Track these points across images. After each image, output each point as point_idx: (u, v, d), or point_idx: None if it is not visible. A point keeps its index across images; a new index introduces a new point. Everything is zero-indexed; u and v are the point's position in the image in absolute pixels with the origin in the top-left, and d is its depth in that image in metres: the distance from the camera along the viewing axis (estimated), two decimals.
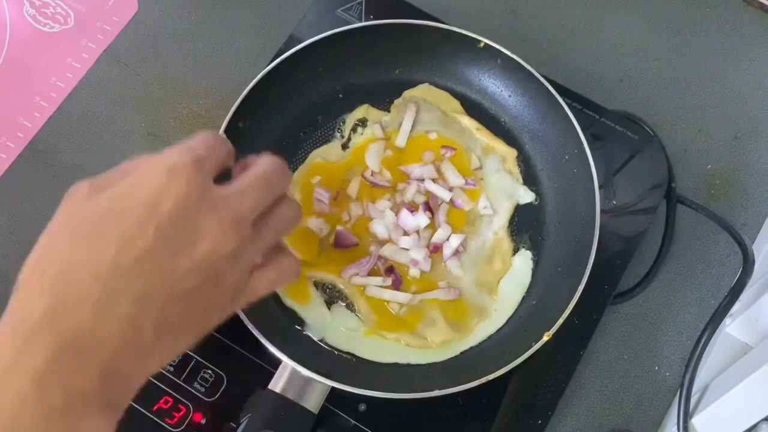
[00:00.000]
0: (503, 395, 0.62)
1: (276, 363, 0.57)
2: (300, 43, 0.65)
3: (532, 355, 0.57)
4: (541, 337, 0.57)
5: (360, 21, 0.72)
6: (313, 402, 0.56)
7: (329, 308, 0.63)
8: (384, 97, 0.70)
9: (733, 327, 0.66)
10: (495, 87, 0.69)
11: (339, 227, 0.64)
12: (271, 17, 0.77)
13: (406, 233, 0.64)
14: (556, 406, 0.61)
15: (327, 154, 0.67)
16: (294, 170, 0.67)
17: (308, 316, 0.62)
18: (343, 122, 0.69)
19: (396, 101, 0.69)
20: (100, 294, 0.35)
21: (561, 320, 0.58)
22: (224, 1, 0.78)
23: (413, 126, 0.68)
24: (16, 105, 0.73)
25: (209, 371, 0.60)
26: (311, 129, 0.68)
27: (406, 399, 0.56)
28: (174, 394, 0.60)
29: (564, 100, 0.65)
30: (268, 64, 0.65)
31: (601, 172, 0.64)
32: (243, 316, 0.56)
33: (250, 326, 0.56)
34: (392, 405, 0.57)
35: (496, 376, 0.56)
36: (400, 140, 0.68)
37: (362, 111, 0.69)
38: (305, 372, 0.55)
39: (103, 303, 0.35)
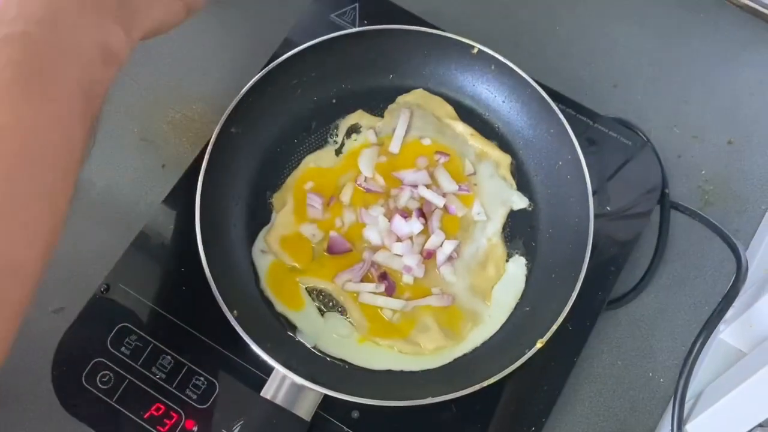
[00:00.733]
0: (497, 402, 0.61)
1: (268, 370, 0.57)
2: (293, 48, 0.65)
3: (526, 361, 0.57)
4: (535, 344, 0.57)
5: (354, 26, 0.72)
6: (305, 409, 0.56)
7: (322, 315, 0.62)
8: (378, 103, 0.70)
9: (727, 333, 0.66)
10: (489, 93, 0.69)
11: (332, 233, 0.64)
12: (265, 23, 0.77)
13: (399, 239, 0.64)
14: (549, 413, 0.61)
15: (320, 159, 0.67)
16: (287, 175, 0.67)
17: (301, 323, 0.62)
18: (337, 128, 0.69)
19: (390, 107, 0.69)
20: None
21: (554, 327, 0.58)
22: (217, 6, 0.78)
23: (407, 132, 0.68)
24: None
25: (201, 378, 0.60)
26: (304, 134, 0.68)
27: (399, 406, 0.56)
28: (166, 401, 0.59)
29: (558, 105, 0.65)
30: (261, 70, 0.65)
31: (595, 178, 0.64)
32: (234, 323, 0.56)
33: (242, 333, 0.56)
34: (385, 412, 0.57)
35: (490, 383, 0.56)
36: (394, 146, 0.67)
37: (356, 117, 0.69)
38: (298, 379, 0.55)
39: None
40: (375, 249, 0.64)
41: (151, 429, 0.58)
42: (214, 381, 0.60)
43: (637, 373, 0.66)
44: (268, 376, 0.57)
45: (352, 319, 0.62)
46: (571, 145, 0.63)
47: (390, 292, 0.63)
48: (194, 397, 0.60)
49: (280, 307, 0.62)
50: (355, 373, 0.60)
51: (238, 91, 0.64)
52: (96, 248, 0.67)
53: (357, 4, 0.74)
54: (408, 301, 0.62)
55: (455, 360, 0.61)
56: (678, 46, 0.79)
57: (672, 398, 0.62)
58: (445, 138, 0.69)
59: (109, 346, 0.61)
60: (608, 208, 0.67)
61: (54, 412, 0.60)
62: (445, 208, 0.66)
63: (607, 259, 0.66)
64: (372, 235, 0.64)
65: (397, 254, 0.63)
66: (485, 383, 0.56)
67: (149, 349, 0.61)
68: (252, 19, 0.77)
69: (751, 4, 0.79)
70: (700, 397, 0.63)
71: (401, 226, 0.64)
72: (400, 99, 0.70)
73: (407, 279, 0.63)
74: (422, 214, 0.65)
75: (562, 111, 0.65)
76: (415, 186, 0.66)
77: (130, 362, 0.60)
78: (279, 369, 0.55)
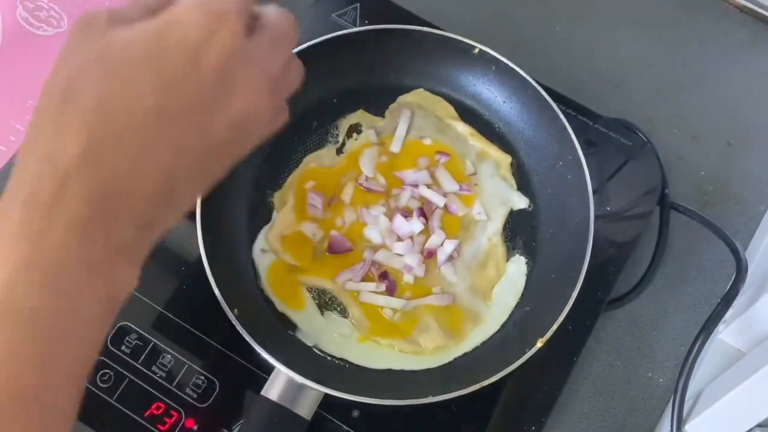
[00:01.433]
0: (497, 401, 0.61)
1: (269, 369, 0.57)
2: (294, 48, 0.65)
3: (526, 361, 0.57)
4: (535, 344, 0.57)
5: (355, 26, 0.72)
6: (306, 408, 0.56)
7: (322, 314, 0.62)
8: (378, 103, 0.70)
9: (727, 333, 0.66)
10: (490, 93, 0.69)
11: (333, 232, 0.64)
12: None
13: (400, 239, 0.64)
14: (550, 413, 0.61)
15: (321, 158, 0.67)
16: (288, 175, 0.67)
17: (301, 322, 0.62)
18: (338, 127, 0.69)
19: (391, 106, 0.69)
20: (141, 141, 0.33)
21: (555, 326, 0.58)
22: None
23: (408, 131, 0.68)
24: (9, 109, 0.72)
25: (202, 377, 0.60)
26: (305, 134, 0.68)
27: (400, 405, 0.56)
28: (166, 399, 0.59)
29: (558, 106, 0.65)
30: None
31: (595, 179, 0.64)
32: (235, 321, 0.56)
33: (242, 331, 0.56)
34: (385, 411, 0.57)
35: (490, 382, 0.56)
36: (395, 146, 0.67)
37: (357, 116, 0.69)
38: (298, 378, 0.55)
39: (144, 150, 0.33)
40: (376, 248, 0.64)
41: (151, 428, 0.58)
42: (215, 380, 0.60)
43: (637, 373, 0.66)
44: (269, 375, 0.57)
45: (353, 319, 0.62)
46: (571, 146, 0.63)
47: (391, 291, 0.63)
48: (194, 396, 0.60)
49: (281, 306, 0.62)
50: (356, 372, 0.60)
51: None
52: None
53: (358, 5, 0.74)
54: (409, 301, 0.62)
55: (455, 359, 0.61)
56: (678, 48, 0.79)
57: (671, 398, 0.62)
58: (445, 138, 0.69)
59: (109, 345, 0.60)
60: (608, 209, 0.67)
61: None
62: (446, 207, 0.66)
63: (607, 259, 0.66)
64: (373, 234, 0.64)
65: (397, 254, 0.63)
66: (485, 383, 0.56)
67: (149, 347, 0.61)
68: None
69: (751, 5, 0.80)
70: (699, 397, 0.63)
71: (402, 225, 0.64)
72: (401, 99, 0.70)
73: (408, 278, 0.63)
74: (423, 213, 0.65)
75: (563, 111, 0.65)
76: (416, 186, 0.66)
77: (131, 361, 0.60)
78: (279, 368, 0.55)
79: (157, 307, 0.62)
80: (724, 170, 0.74)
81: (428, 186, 0.66)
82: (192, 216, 0.59)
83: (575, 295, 0.58)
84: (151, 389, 0.59)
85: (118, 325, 0.61)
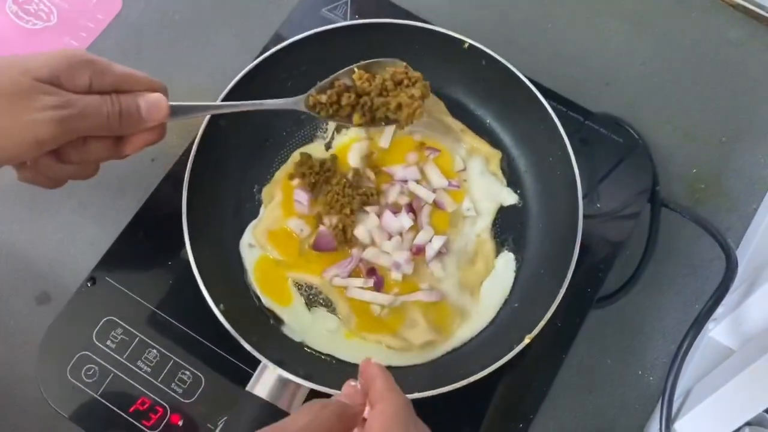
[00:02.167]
0: (485, 398, 0.61)
1: (255, 364, 0.56)
2: (284, 42, 0.65)
3: (515, 357, 0.57)
4: (523, 340, 0.57)
5: (345, 21, 0.72)
6: (292, 405, 0.55)
7: (309, 310, 0.62)
8: None
9: (717, 331, 0.65)
10: (479, 88, 0.69)
11: (322, 228, 0.63)
12: (256, 17, 0.77)
13: (390, 236, 0.64)
14: (538, 410, 0.61)
15: (310, 153, 0.67)
16: (276, 169, 0.66)
17: (288, 318, 0.61)
18: (327, 122, 0.68)
19: None
20: None
21: (542, 323, 0.57)
22: (208, 0, 0.77)
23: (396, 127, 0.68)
24: None
25: (187, 372, 0.60)
26: (294, 128, 0.68)
27: None
28: (151, 395, 0.59)
29: (549, 102, 0.64)
30: (251, 63, 0.64)
31: (586, 176, 0.64)
32: (220, 317, 0.56)
33: (228, 326, 0.55)
34: None
35: (477, 378, 0.55)
36: (384, 141, 0.67)
37: None
38: (283, 373, 0.55)
39: None
40: (364, 246, 0.64)
41: (136, 423, 0.58)
42: (200, 375, 0.60)
43: (627, 371, 0.66)
44: (254, 370, 0.56)
45: (340, 314, 0.62)
46: (561, 142, 0.63)
47: (378, 287, 0.62)
48: (180, 391, 0.59)
49: (268, 301, 0.62)
50: (342, 367, 0.60)
51: (227, 84, 0.63)
52: (83, 242, 0.67)
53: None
54: (396, 297, 0.62)
55: (443, 356, 0.61)
56: (670, 45, 0.79)
57: (661, 396, 0.62)
58: (435, 133, 0.68)
59: (95, 340, 0.60)
60: (598, 205, 0.67)
61: (38, 405, 0.59)
62: (435, 203, 0.65)
63: (597, 256, 0.65)
64: (360, 233, 0.64)
65: (385, 251, 0.63)
66: (473, 378, 0.55)
67: (135, 342, 0.60)
68: (243, 13, 0.77)
69: (744, 3, 0.79)
70: (689, 395, 0.63)
71: (391, 221, 0.63)
72: None
73: (396, 276, 0.63)
74: (412, 209, 0.64)
75: (554, 108, 0.64)
76: (405, 181, 0.65)
77: (116, 356, 0.60)
78: (265, 363, 0.55)
79: (143, 302, 0.62)
80: (716, 168, 0.74)
81: (417, 182, 0.65)
82: (179, 208, 0.59)
83: (563, 291, 0.58)
84: (136, 384, 0.59)
85: (104, 319, 0.61)
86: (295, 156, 0.66)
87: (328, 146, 0.68)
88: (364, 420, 0.44)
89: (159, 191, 0.66)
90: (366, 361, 0.46)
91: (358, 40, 0.67)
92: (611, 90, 0.77)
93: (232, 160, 0.65)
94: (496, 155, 0.68)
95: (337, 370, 0.59)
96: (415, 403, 0.55)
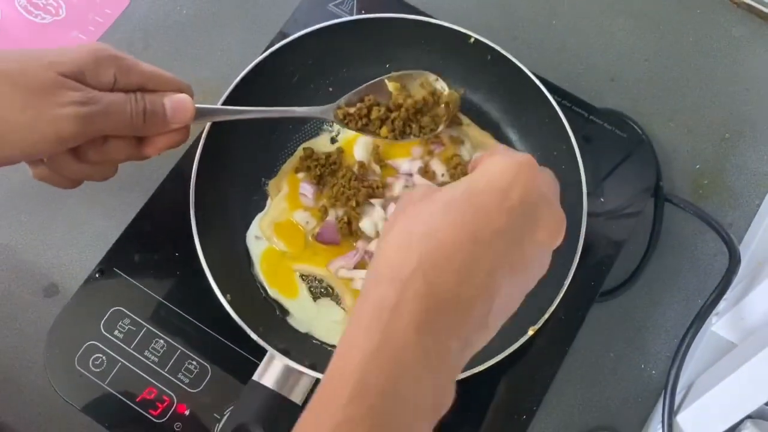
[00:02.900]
0: (488, 390, 0.62)
1: (261, 354, 0.57)
2: (290, 36, 0.65)
3: (519, 350, 0.57)
4: (526, 332, 0.57)
5: (351, 15, 0.72)
6: (297, 394, 0.56)
7: (315, 301, 0.62)
8: None
9: (719, 325, 0.66)
10: (485, 83, 0.69)
11: (328, 219, 0.64)
12: (262, 11, 0.77)
13: None
14: (541, 402, 0.61)
15: (315, 146, 0.67)
16: (283, 162, 0.67)
17: (294, 309, 0.62)
18: None
19: None
20: (463, 260, 0.38)
21: (546, 315, 0.58)
22: None
23: None
24: None
25: (194, 362, 0.60)
26: (300, 122, 0.68)
27: None
28: (158, 384, 0.59)
29: (553, 97, 0.65)
30: (258, 57, 0.65)
31: (590, 171, 0.64)
32: (228, 307, 0.56)
33: (235, 316, 0.56)
34: None
35: (480, 369, 0.56)
36: None
37: None
38: (290, 363, 0.55)
39: (466, 268, 0.38)
40: (369, 239, 0.64)
41: (143, 412, 0.59)
42: (207, 365, 0.60)
43: (629, 365, 0.67)
44: (261, 360, 0.57)
45: (345, 306, 0.62)
46: (565, 136, 0.63)
47: None
48: (186, 381, 0.60)
49: (274, 292, 0.62)
50: None
51: (233, 79, 0.64)
52: (90, 233, 0.67)
53: None
54: None
55: None
56: (674, 42, 0.79)
57: (663, 389, 0.63)
58: None
59: (102, 330, 0.61)
60: (602, 200, 0.67)
61: (46, 394, 0.60)
62: None
63: (600, 250, 0.66)
64: (366, 226, 0.64)
65: None
66: (476, 370, 0.56)
67: (142, 332, 0.61)
68: (249, 8, 0.78)
69: (748, 1, 0.80)
70: (690, 389, 0.64)
71: None
72: None
73: None
74: None
75: (558, 103, 0.65)
76: (410, 174, 0.66)
77: (123, 346, 0.60)
78: (271, 352, 0.55)
79: (150, 293, 0.62)
80: (720, 164, 0.74)
81: (422, 175, 0.66)
82: (186, 200, 0.59)
83: (567, 283, 0.58)
84: (143, 374, 0.60)
85: (112, 309, 0.61)
86: (301, 150, 0.67)
87: (333, 140, 0.68)
88: None
89: (166, 184, 0.66)
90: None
91: (365, 34, 0.68)
92: (615, 86, 0.77)
93: (239, 153, 0.65)
94: None
95: None
96: None
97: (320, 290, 0.63)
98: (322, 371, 0.55)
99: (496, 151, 0.44)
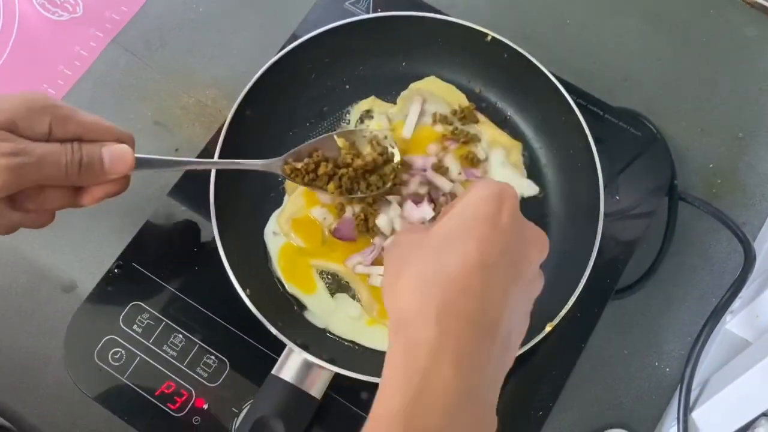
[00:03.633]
0: (505, 385, 0.61)
1: (279, 349, 0.57)
2: (308, 34, 0.66)
3: (536, 346, 0.57)
4: (543, 328, 0.58)
5: (367, 14, 0.72)
6: (316, 388, 0.56)
7: (332, 296, 0.63)
8: (390, 89, 0.70)
9: (734, 324, 0.66)
10: (501, 81, 0.70)
11: (345, 215, 0.64)
12: (279, 9, 0.78)
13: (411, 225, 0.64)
14: (557, 398, 0.61)
15: None
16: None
17: (311, 304, 0.62)
18: (349, 113, 0.69)
19: (403, 93, 0.70)
20: (480, 286, 0.40)
21: (563, 311, 0.58)
22: None
23: (419, 118, 0.69)
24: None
25: (212, 357, 0.61)
26: (317, 119, 0.69)
27: None
28: (177, 379, 0.60)
29: (569, 95, 0.65)
30: (276, 55, 0.65)
31: (605, 169, 0.64)
32: (247, 302, 0.57)
33: (255, 311, 0.56)
34: None
35: None
36: (406, 131, 0.68)
37: (368, 102, 0.70)
38: (309, 357, 0.56)
39: (484, 292, 0.40)
40: (385, 236, 0.65)
41: (162, 406, 0.59)
42: (225, 360, 0.60)
43: (644, 362, 0.67)
44: (278, 355, 0.57)
45: (362, 302, 0.63)
46: (582, 133, 0.63)
47: None
48: (205, 375, 0.60)
49: (291, 288, 0.62)
50: (366, 353, 0.61)
51: (251, 77, 0.64)
52: (109, 229, 0.68)
53: None
54: None
55: None
56: (687, 42, 0.80)
57: (678, 386, 0.63)
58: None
59: (122, 324, 0.61)
60: (617, 198, 0.67)
61: (65, 388, 0.61)
62: (454, 194, 0.66)
63: (616, 248, 0.66)
64: (382, 222, 0.64)
65: None
66: None
67: (161, 327, 0.61)
68: (266, 6, 0.78)
69: (760, 0, 0.80)
70: (705, 386, 0.64)
71: (413, 211, 0.64)
72: (413, 86, 0.70)
73: None
74: (432, 199, 0.65)
75: (573, 101, 0.65)
76: (425, 170, 0.66)
77: (142, 340, 0.61)
78: (290, 347, 0.56)
79: (169, 287, 0.63)
80: (733, 163, 0.74)
81: (437, 172, 0.66)
82: (204, 196, 0.60)
83: (585, 280, 0.59)
84: (162, 368, 0.60)
85: (131, 304, 0.62)
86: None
87: None
88: None
89: (184, 180, 0.66)
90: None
91: (381, 32, 0.68)
92: (629, 85, 0.77)
93: (256, 148, 0.65)
94: (516, 147, 0.68)
95: (361, 356, 0.60)
96: None
97: (337, 286, 0.63)
98: (340, 366, 0.56)
99: (475, 184, 0.45)
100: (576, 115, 0.64)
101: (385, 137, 0.59)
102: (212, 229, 0.59)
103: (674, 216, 0.70)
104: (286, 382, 0.56)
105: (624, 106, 0.74)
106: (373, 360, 0.60)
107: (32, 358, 0.64)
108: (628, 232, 0.67)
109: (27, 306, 0.65)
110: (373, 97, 0.70)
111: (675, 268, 0.70)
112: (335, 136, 0.60)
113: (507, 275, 0.41)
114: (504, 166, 0.68)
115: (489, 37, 0.66)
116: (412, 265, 0.42)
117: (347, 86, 0.70)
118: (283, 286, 0.63)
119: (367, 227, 0.64)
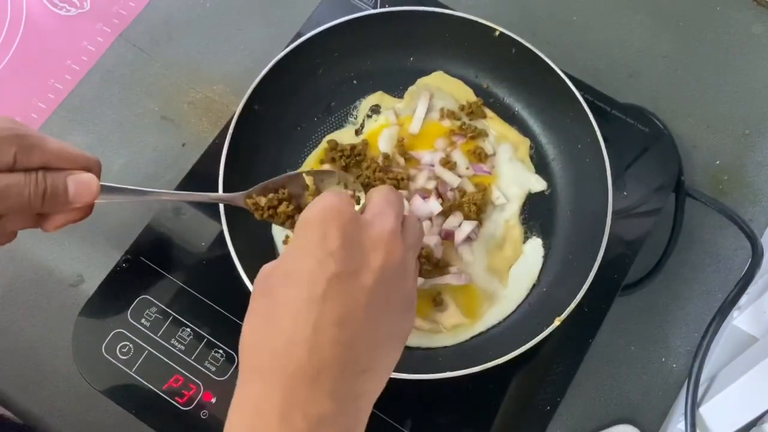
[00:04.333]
0: (513, 380, 0.62)
1: None
2: (315, 29, 0.66)
3: (543, 341, 0.57)
4: (552, 323, 0.58)
5: (375, 9, 0.72)
6: None
7: None
8: (398, 85, 0.70)
9: (741, 319, 0.66)
10: (508, 76, 0.70)
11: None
12: (287, 5, 0.78)
13: (419, 220, 0.64)
14: (564, 393, 0.61)
15: (340, 138, 0.68)
16: (308, 154, 0.67)
17: None
18: (357, 108, 0.69)
19: (410, 89, 0.70)
20: (305, 328, 0.39)
21: (572, 306, 0.58)
22: None
23: (426, 113, 0.69)
24: (31, 86, 0.73)
25: (220, 351, 0.61)
26: (325, 114, 0.69)
27: (416, 380, 0.56)
28: (185, 372, 0.60)
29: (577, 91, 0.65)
30: (284, 50, 0.65)
31: (612, 165, 0.64)
32: None
33: None
34: (401, 388, 0.57)
35: (507, 359, 0.56)
36: (414, 127, 0.68)
37: (376, 98, 0.70)
38: None
39: (311, 335, 0.39)
40: None
41: (170, 400, 0.59)
42: (233, 354, 0.61)
43: (651, 358, 0.67)
44: None
45: None
46: (590, 129, 0.63)
47: None
48: (213, 369, 0.60)
49: None
50: None
51: (258, 72, 0.64)
52: (116, 224, 0.68)
53: None
54: (426, 279, 0.62)
55: (472, 338, 0.62)
56: (694, 38, 0.80)
57: (686, 382, 0.63)
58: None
59: (130, 318, 0.61)
60: (625, 194, 0.68)
61: (73, 381, 0.61)
62: (462, 188, 0.66)
63: (623, 244, 0.66)
64: None
65: None
66: (501, 360, 0.56)
67: (169, 321, 0.61)
68: (273, 1, 0.78)
69: None
70: (713, 382, 0.64)
71: (421, 206, 0.64)
72: (421, 81, 0.70)
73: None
74: (440, 194, 0.65)
75: (581, 96, 0.65)
76: (432, 165, 0.66)
77: (150, 334, 0.61)
78: None
79: (177, 282, 0.63)
80: (740, 159, 0.74)
81: (445, 167, 0.66)
82: (214, 191, 0.60)
83: (593, 275, 0.59)
84: (170, 362, 0.60)
85: (139, 298, 0.62)
86: (325, 142, 0.67)
87: (358, 132, 0.68)
88: None
89: (192, 174, 0.66)
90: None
91: (389, 27, 0.68)
92: (635, 82, 0.77)
93: (264, 143, 0.66)
94: (524, 142, 0.68)
95: None
96: (444, 382, 0.56)
97: None
98: None
99: (308, 206, 0.44)
100: (584, 110, 0.64)
101: (354, 181, 0.58)
102: (220, 223, 0.59)
103: (681, 212, 0.70)
104: None
105: (630, 102, 0.74)
106: None
107: (40, 353, 0.64)
108: (635, 228, 0.67)
109: (35, 300, 0.65)
110: (380, 93, 0.70)
111: (682, 265, 0.70)
112: (305, 175, 0.59)
113: (341, 300, 0.40)
114: (512, 161, 0.68)
115: (497, 33, 0.66)
116: (252, 314, 0.42)
117: (354, 81, 0.70)
118: None
119: None
